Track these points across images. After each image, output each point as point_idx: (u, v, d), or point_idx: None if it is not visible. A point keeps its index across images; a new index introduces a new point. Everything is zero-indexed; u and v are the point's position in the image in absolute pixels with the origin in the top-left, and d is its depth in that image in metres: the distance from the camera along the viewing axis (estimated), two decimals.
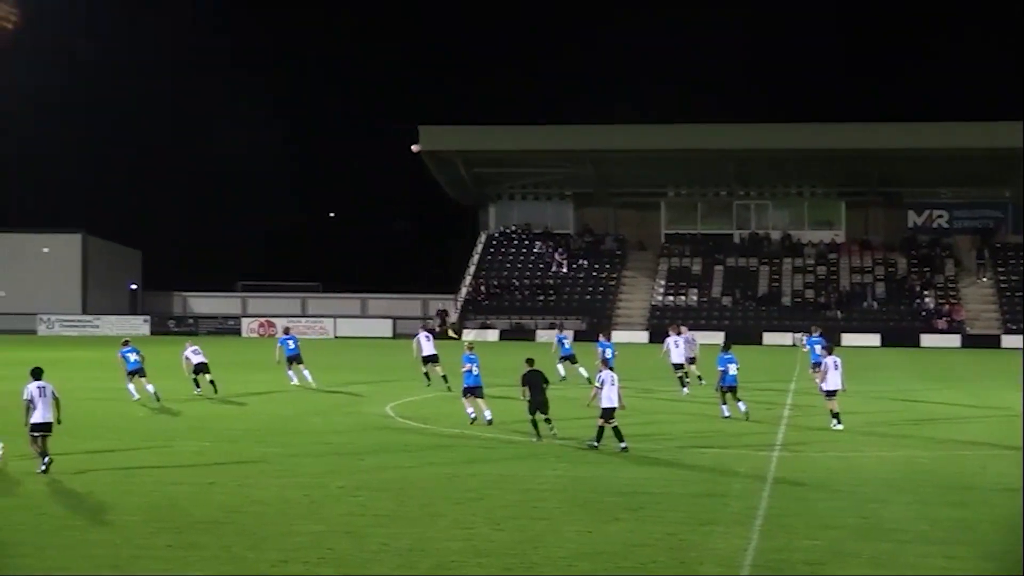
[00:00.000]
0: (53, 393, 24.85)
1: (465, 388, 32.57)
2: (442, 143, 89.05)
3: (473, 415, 32.32)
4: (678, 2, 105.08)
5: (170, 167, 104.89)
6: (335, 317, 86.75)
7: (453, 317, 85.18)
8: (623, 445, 27.64)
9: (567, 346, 46.12)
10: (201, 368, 40.07)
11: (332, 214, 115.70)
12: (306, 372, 43.40)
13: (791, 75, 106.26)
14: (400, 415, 34.58)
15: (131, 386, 38.07)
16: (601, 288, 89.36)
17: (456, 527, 19.85)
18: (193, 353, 40.38)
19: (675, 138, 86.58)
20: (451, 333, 70.59)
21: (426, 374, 43.35)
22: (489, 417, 31.95)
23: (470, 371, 32.29)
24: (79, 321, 78.65)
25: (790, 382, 46.72)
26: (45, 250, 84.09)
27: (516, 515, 20.78)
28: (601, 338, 43.74)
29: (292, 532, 19.39)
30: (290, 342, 43.98)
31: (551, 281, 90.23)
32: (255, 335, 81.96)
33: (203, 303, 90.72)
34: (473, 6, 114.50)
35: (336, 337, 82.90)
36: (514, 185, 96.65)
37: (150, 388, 37.61)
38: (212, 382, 39.82)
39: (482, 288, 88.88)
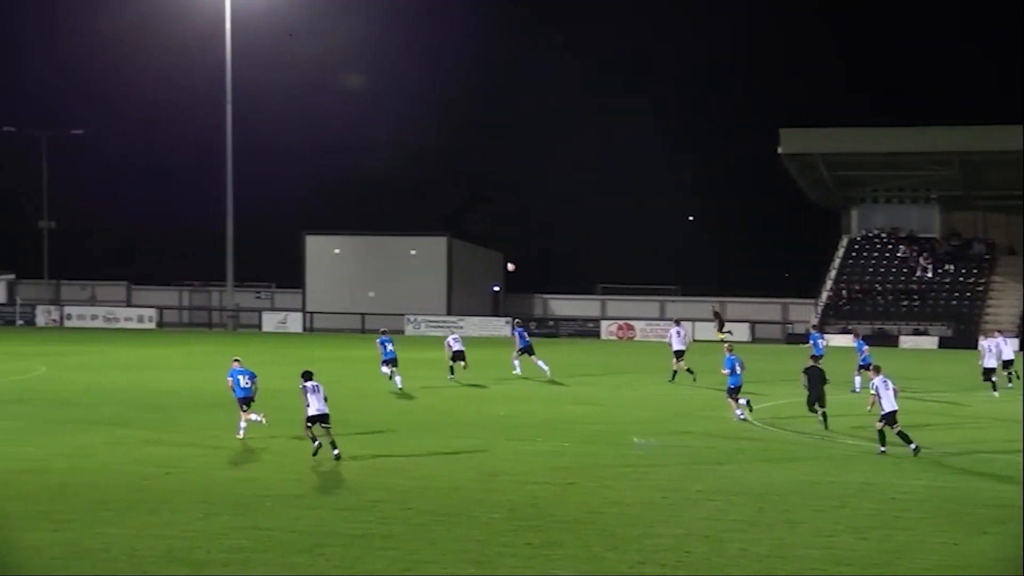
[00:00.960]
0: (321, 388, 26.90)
1: (729, 389, 34.20)
2: (804, 145, 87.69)
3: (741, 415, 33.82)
4: None
5: (531, 174, 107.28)
6: (693, 321, 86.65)
7: (814, 320, 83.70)
8: (913, 447, 27.45)
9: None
10: (458, 356, 43.72)
11: (691, 217, 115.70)
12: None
13: None
14: (758, 420, 34.25)
15: (385, 369, 41.56)
16: (968, 294, 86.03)
17: (817, 535, 19.54)
18: (454, 340, 44.34)
19: None
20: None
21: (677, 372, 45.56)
22: (741, 415, 33.68)
23: (734, 372, 33.77)
24: (444, 322, 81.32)
25: None
26: (413, 253, 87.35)
27: (879, 524, 20.29)
28: (858, 338, 44.82)
29: (650, 534, 19.51)
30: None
31: (915, 286, 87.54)
32: (613, 337, 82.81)
33: (563, 305, 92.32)
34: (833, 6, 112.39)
35: (694, 340, 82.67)
36: (877, 188, 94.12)
37: (398, 380, 40.53)
38: (465, 367, 43.47)
39: (843, 293, 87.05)
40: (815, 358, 37.77)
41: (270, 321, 79.80)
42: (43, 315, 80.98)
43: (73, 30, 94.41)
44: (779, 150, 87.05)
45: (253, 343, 44.87)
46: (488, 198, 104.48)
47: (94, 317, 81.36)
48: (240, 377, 29.39)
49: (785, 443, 30.15)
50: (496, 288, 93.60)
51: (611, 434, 31.26)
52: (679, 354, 45.80)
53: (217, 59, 78.98)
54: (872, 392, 27.94)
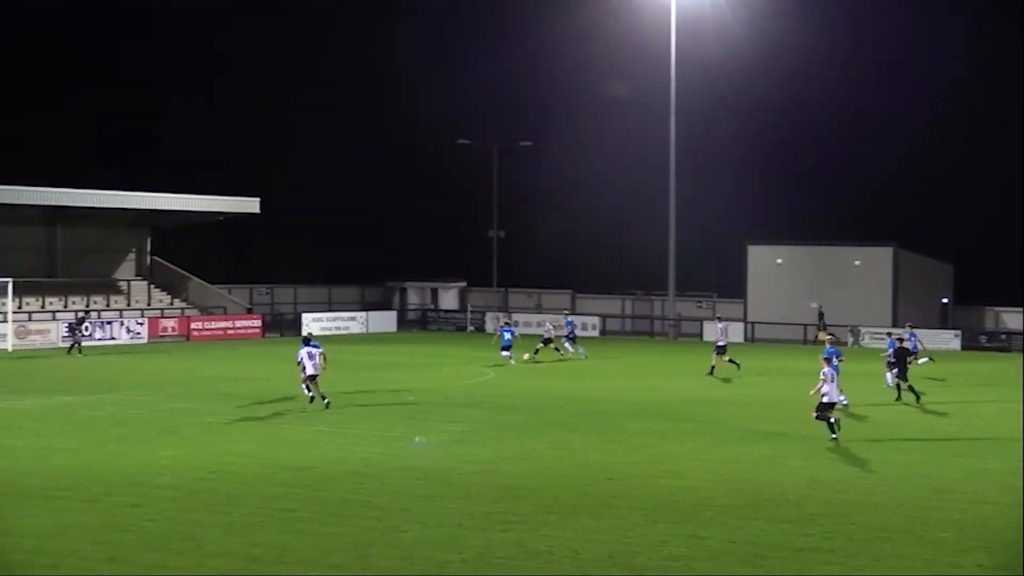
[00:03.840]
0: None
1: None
2: None
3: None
4: None
5: (977, 178, 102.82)
6: None
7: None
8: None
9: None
10: (721, 351, 48.40)
11: None
12: None
13: None
14: None
15: (504, 353, 51.01)
16: None
17: None
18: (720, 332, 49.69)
19: None
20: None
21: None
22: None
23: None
24: (883, 334, 79.39)
25: None
26: (857, 263, 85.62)
27: None
28: None
29: None
30: None
31: None
32: None
33: (1017, 319, 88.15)
34: None
35: None
36: None
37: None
38: (731, 361, 48.25)
39: None
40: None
41: (711, 330, 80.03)
42: (492, 322, 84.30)
43: (520, 42, 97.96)
44: None
45: (694, 352, 45.16)
46: (934, 205, 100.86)
47: (540, 324, 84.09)
48: None
49: None
50: (945, 300, 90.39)
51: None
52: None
53: (661, 65, 79.94)
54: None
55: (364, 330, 78.72)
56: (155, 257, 78.59)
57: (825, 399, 31.09)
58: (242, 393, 41.28)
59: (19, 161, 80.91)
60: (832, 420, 30.93)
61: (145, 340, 65.90)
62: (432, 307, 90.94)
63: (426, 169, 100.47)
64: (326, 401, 36.68)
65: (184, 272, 77.98)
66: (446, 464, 27.09)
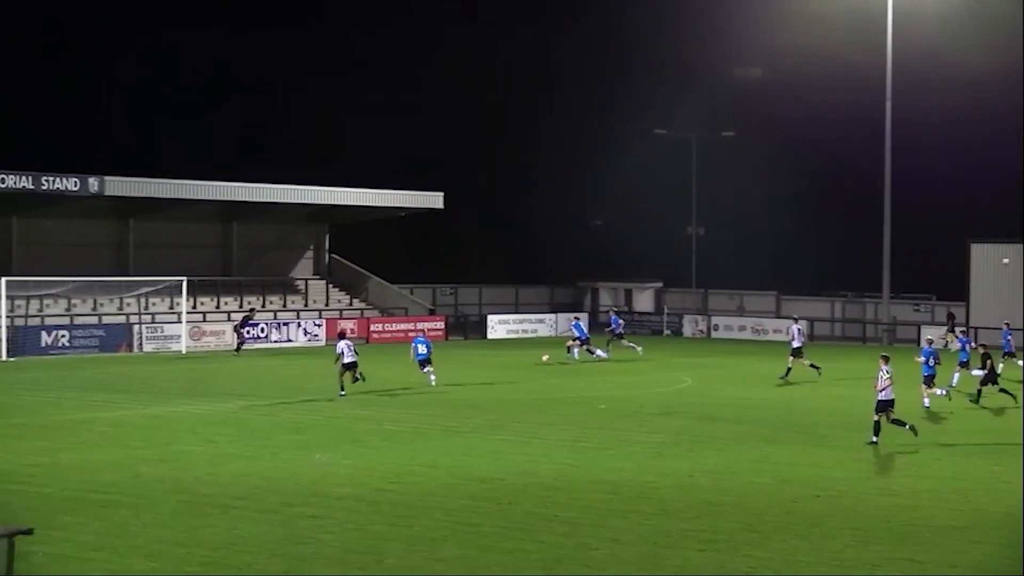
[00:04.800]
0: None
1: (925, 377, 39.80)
2: None
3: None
4: None
5: None
6: None
7: None
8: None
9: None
10: (797, 353, 50.63)
11: None
12: None
13: None
14: None
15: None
16: None
17: None
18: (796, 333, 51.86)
19: None
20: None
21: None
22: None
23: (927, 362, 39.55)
24: None
25: None
26: (1005, 261, 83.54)
27: None
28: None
29: None
30: None
31: None
32: None
33: None
34: None
35: None
36: None
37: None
38: (813, 365, 50.52)
39: None
40: None
41: (932, 335, 78.34)
42: (690, 325, 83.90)
43: (724, 31, 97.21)
44: None
45: (909, 359, 44.26)
46: None
47: (742, 328, 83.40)
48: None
49: None
50: None
51: None
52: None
53: (873, 51, 78.67)
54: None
55: (553, 333, 78.98)
56: (333, 255, 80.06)
57: (882, 396, 32.33)
58: (425, 400, 41.82)
59: (194, 156, 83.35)
60: (878, 421, 32.16)
61: (323, 342, 66.93)
62: (626, 309, 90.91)
63: (620, 160, 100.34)
64: (343, 392, 41.70)
65: (363, 271, 79.27)
66: (641, 478, 27.07)
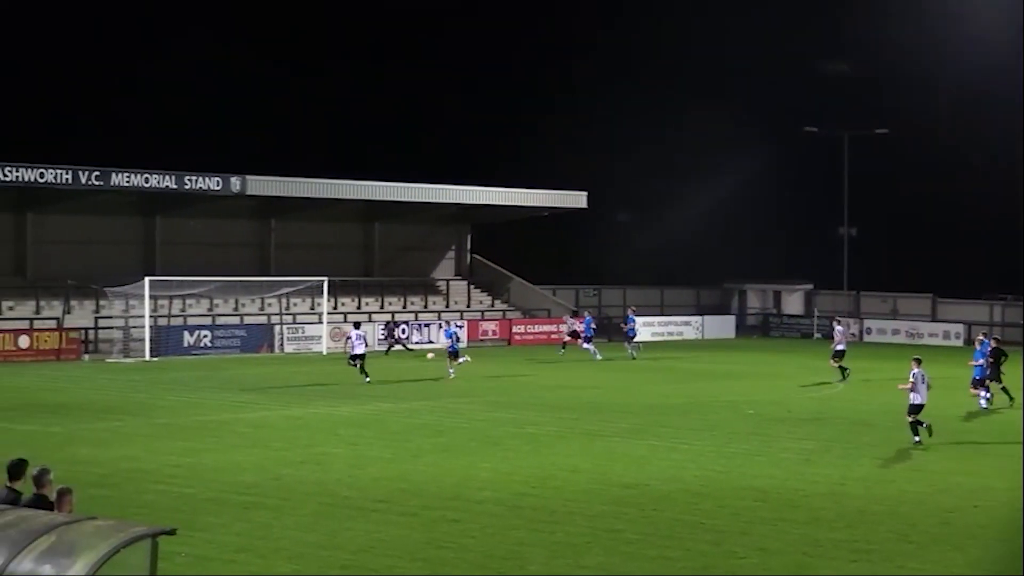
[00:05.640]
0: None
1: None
2: None
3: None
4: None
5: None
6: None
7: None
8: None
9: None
10: (839, 355, 51.04)
11: None
12: None
13: None
14: None
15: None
16: None
17: None
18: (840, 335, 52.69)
19: None
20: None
21: None
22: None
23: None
24: None
25: None
26: None
27: None
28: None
29: None
30: None
31: None
32: None
33: None
34: None
35: None
36: None
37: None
38: (842, 367, 50.86)
39: None
40: None
41: None
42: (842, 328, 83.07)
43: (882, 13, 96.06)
44: None
45: None
46: None
47: (895, 332, 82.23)
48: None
49: None
50: None
51: None
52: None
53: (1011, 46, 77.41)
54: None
55: (699, 336, 78.64)
56: (475, 255, 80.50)
57: (915, 401, 33.19)
58: (567, 403, 41.91)
59: (336, 154, 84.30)
60: (923, 424, 33.02)
61: (464, 344, 67.16)
62: (775, 311, 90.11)
63: (769, 159, 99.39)
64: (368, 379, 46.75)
65: (505, 272, 79.59)
66: (790, 485, 26.85)
